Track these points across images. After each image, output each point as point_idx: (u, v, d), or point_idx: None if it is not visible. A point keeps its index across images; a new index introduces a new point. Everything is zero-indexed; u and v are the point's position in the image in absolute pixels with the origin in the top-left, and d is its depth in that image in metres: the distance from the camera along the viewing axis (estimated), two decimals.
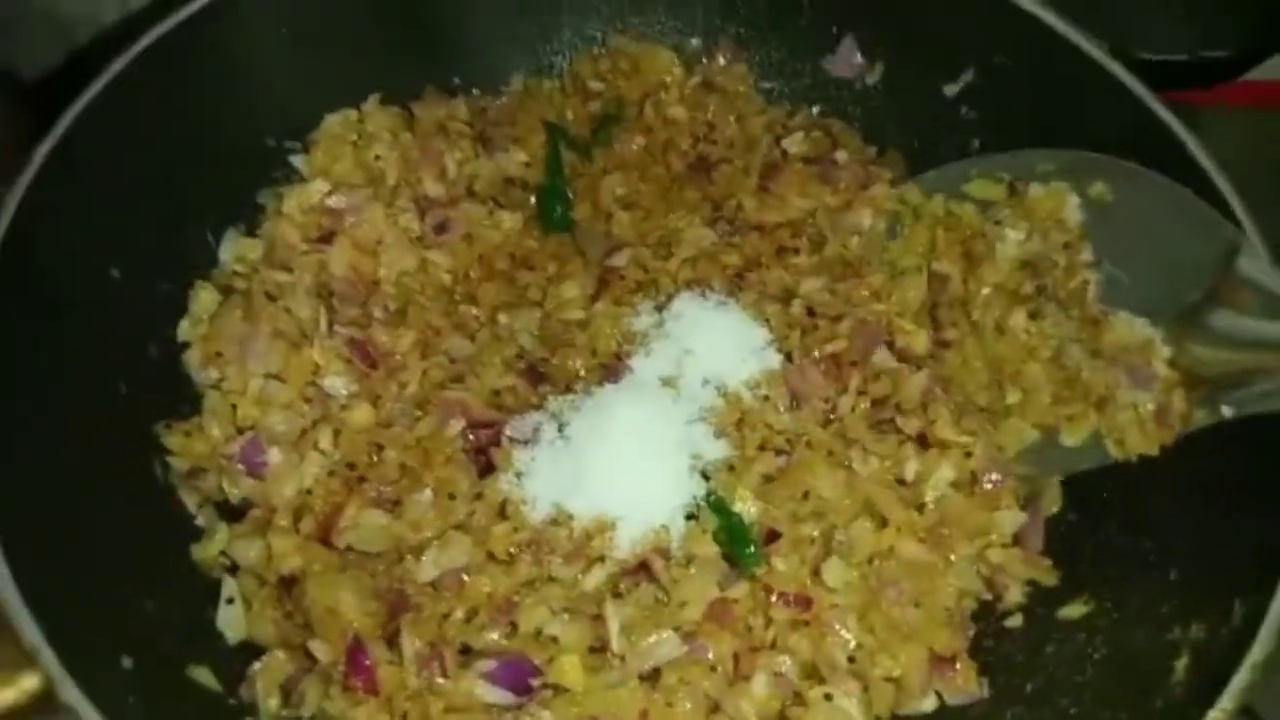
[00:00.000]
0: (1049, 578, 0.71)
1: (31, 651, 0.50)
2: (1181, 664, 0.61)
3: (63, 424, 0.63)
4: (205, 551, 0.67)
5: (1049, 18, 0.81)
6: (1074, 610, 0.69)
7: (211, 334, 0.72)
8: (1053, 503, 0.74)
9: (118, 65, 0.72)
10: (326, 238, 0.76)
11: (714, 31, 0.93)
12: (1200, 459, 0.67)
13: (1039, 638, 0.69)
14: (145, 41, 0.73)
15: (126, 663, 0.56)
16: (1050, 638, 0.69)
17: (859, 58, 0.92)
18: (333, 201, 0.76)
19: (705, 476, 0.69)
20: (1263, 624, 0.57)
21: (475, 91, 0.91)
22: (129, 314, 0.71)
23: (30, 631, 0.50)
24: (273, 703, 0.61)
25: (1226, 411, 0.65)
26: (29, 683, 0.51)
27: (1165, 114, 0.77)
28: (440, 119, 0.85)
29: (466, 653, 0.62)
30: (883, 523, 0.68)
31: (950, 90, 0.88)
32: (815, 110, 0.93)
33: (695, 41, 0.94)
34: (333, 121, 0.85)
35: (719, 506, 0.67)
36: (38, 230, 0.66)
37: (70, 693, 0.50)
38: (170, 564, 0.65)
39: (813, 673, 0.65)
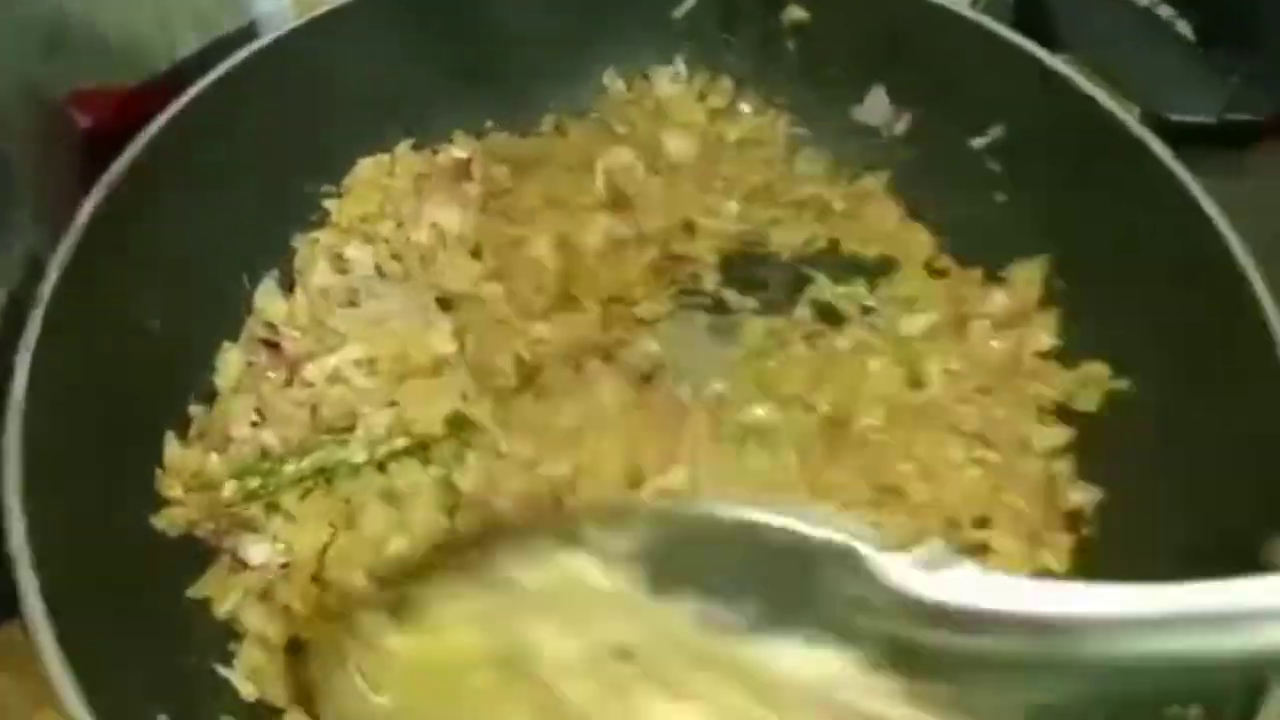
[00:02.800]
0: None
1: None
2: None
3: (106, 484, 0.66)
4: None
5: (1080, 79, 0.82)
6: None
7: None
8: None
9: (165, 116, 0.75)
10: None
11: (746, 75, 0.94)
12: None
13: None
14: (192, 92, 0.76)
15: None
16: None
17: (888, 107, 0.92)
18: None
19: None
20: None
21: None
22: (168, 366, 0.74)
23: (71, 700, 0.53)
24: None
25: None
26: None
27: (1187, 177, 0.77)
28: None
29: None
30: None
31: (977, 143, 0.88)
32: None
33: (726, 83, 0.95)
34: (365, 166, 0.87)
35: None
36: (85, 282, 0.69)
37: None
38: (202, 618, 0.68)
39: None
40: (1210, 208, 0.75)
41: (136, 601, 0.64)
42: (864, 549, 0.54)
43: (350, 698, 0.57)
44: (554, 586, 0.56)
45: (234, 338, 0.79)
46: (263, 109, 0.80)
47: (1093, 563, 0.73)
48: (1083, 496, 0.76)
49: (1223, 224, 0.74)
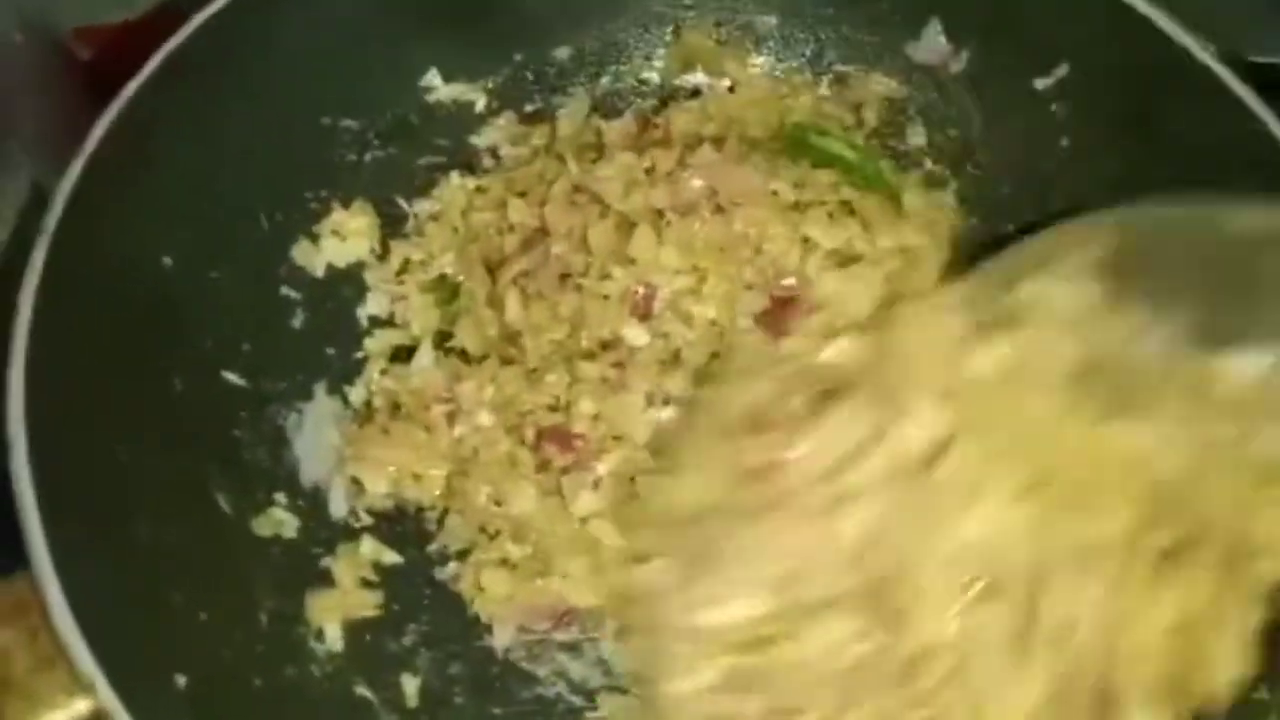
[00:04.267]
0: None
1: (87, 682, 0.49)
2: None
3: (115, 422, 0.62)
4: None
5: (1156, 15, 0.76)
6: None
7: None
8: None
9: (170, 45, 0.69)
10: None
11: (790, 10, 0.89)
12: None
13: None
14: (200, 18, 0.70)
15: (181, 681, 0.55)
16: None
17: (944, 43, 0.87)
18: None
19: None
20: None
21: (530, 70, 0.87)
22: (183, 305, 0.69)
23: (85, 660, 0.49)
24: None
25: None
26: (82, 706, 0.50)
27: (1271, 119, 0.72)
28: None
29: None
30: None
31: (1041, 84, 0.83)
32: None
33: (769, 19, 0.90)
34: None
35: None
36: (92, 214, 0.64)
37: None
38: (220, 572, 0.64)
39: None
40: None
41: (155, 557, 0.60)
42: None
43: None
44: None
45: (251, 277, 0.75)
46: (271, 37, 0.75)
47: None
48: None
49: None
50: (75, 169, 0.64)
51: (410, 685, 0.66)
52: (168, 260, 0.69)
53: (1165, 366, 0.57)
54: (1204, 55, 0.75)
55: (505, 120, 0.86)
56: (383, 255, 0.80)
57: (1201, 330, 0.58)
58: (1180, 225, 0.62)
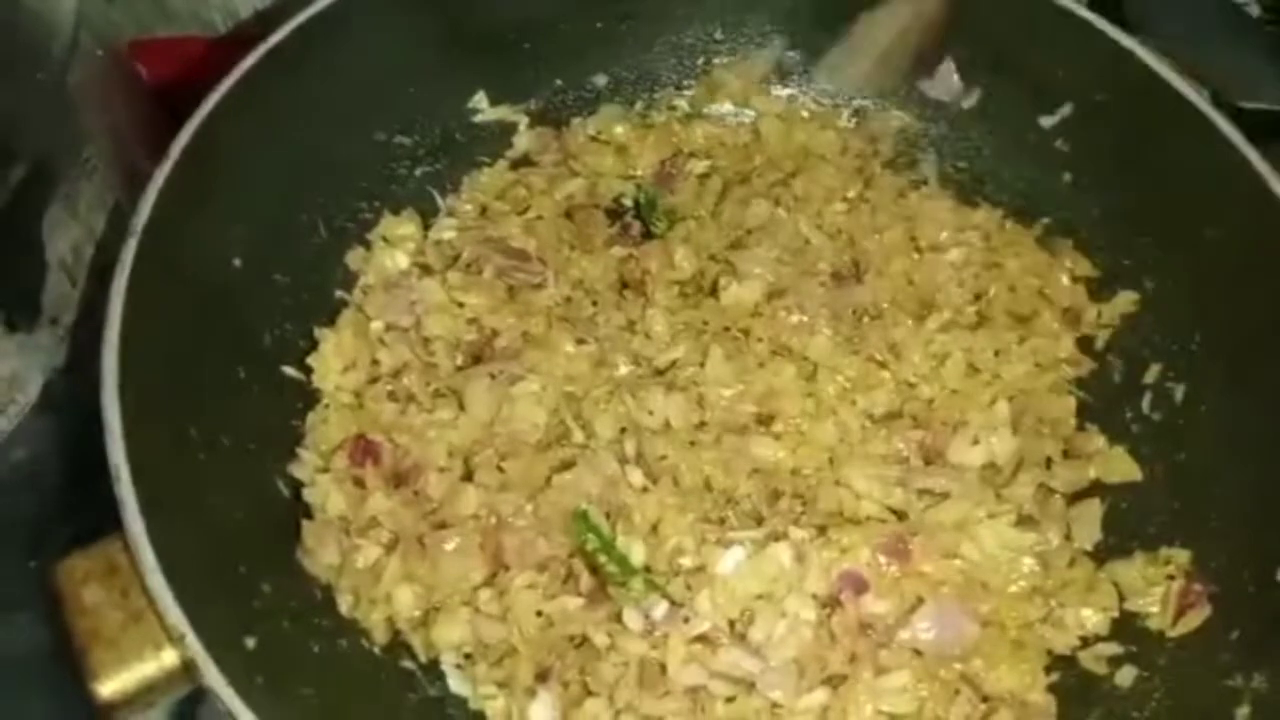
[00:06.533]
0: None
1: (177, 635, 0.54)
2: (1243, 712, 0.64)
3: (189, 406, 0.67)
4: None
5: (1152, 61, 0.82)
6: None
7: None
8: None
9: (248, 62, 0.75)
10: None
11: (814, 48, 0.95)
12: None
13: (1104, 672, 0.72)
14: (270, 43, 0.76)
15: (250, 643, 0.61)
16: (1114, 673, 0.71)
17: (957, 81, 0.93)
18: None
19: None
20: None
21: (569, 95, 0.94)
22: (248, 303, 0.75)
23: (175, 615, 0.54)
24: None
25: None
26: (167, 658, 0.55)
27: (1264, 168, 0.77)
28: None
29: None
30: None
31: (1046, 122, 0.89)
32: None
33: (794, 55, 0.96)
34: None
35: None
36: (172, 219, 0.69)
37: (211, 674, 0.54)
38: (284, 545, 0.69)
39: None
40: None
41: (227, 531, 0.65)
42: None
43: None
44: None
45: (308, 280, 0.80)
46: (334, 61, 0.81)
47: None
48: None
49: None
50: (159, 177, 0.69)
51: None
52: (237, 261, 0.75)
53: None
54: (1199, 100, 0.81)
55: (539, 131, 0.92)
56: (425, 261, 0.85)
57: None
58: None
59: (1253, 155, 0.77)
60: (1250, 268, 0.77)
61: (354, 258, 0.83)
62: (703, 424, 0.77)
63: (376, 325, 0.78)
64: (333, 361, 0.76)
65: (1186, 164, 0.81)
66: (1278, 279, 0.75)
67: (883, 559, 0.69)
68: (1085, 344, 0.84)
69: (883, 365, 0.81)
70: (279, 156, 0.78)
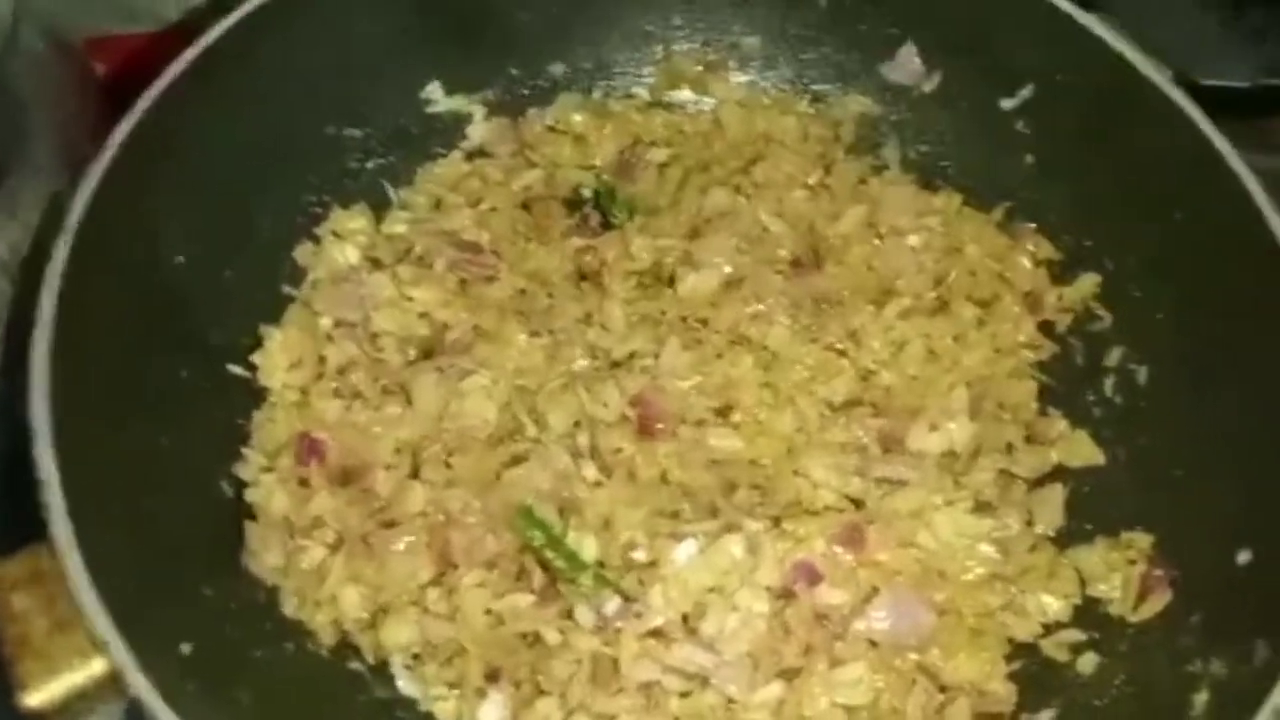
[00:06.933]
0: None
1: (102, 643, 0.53)
2: (1200, 699, 0.63)
3: (127, 408, 0.66)
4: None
5: (1113, 39, 0.81)
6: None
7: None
8: None
9: (191, 53, 0.73)
10: None
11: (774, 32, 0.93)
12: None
13: (1066, 659, 0.71)
14: (215, 33, 0.74)
15: (185, 649, 0.59)
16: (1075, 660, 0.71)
17: (919, 65, 0.91)
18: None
19: None
20: None
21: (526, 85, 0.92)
22: (192, 301, 0.73)
23: (101, 624, 0.53)
24: None
25: None
26: (96, 667, 0.54)
27: (1225, 146, 0.76)
28: None
29: None
30: None
31: (1007, 104, 0.88)
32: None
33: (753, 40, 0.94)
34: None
35: None
36: (110, 214, 0.68)
37: (136, 681, 0.53)
38: (228, 548, 0.68)
39: None
40: (1244, 172, 0.74)
41: (165, 534, 0.64)
42: None
43: None
44: None
45: (256, 277, 0.79)
46: (280, 53, 0.79)
47: None
48: None
49: (1257, 190, 0.74)
50: (96, 171, 0.68)
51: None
52: (180, 258, 0.73)
53: None
54: (1160, 79, 0.79)
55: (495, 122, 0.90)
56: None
57: None
58: None
59: (1214, 134, 0.76)
60: (1212, 247, 0.76)
61: (303, 253, 0.81)
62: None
63: (325, 321, 0.77)
64: (279, 359, 0.75)
65: (1148, 144, 0.80)
66: (1239, 257, 0.74)
67: (837, 549, 0.68)
68: (1047, 328, 0.83)
69: (842, 353, 0.80)
70: (224, 150, 0.77)
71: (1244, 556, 0.66)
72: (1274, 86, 0.85)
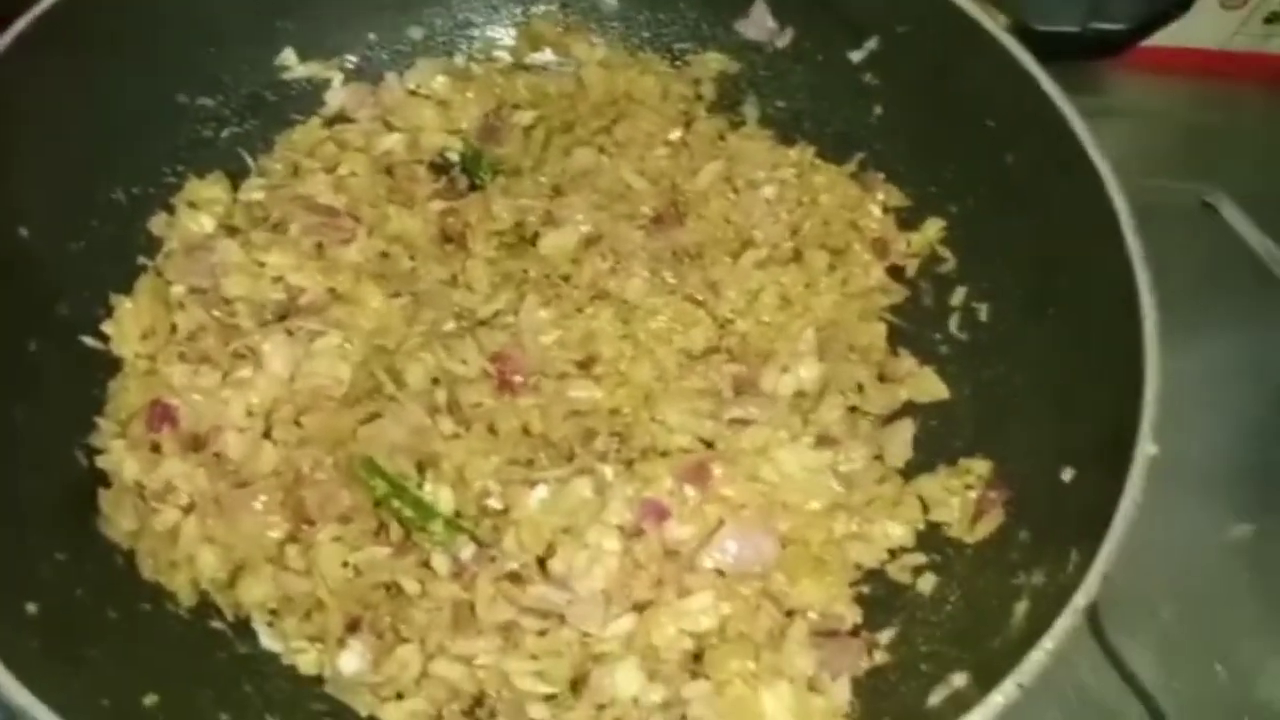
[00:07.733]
0: None
1: None
2: (1021, 607, 0.66)
3: None
4: None
5: None
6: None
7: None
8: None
9: (24, 21, 0.73)
10: None
11: None
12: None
13: (908, 581, 0.74)
14: (43, 5, 0.73)
15: (31, 609, 0.60)
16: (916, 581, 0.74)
17: (771, 21, 0.94)
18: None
19: None
20: (1090, 570, 0.62)
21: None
22: (40, 273, 0.73)
23: None
24: None
25: None
26: None
27: (1052, 88, 0.79)
28: None
29: None
30: None
31: (855, 57, 0.90)
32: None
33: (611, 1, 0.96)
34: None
35: None
36: None
37: None
38: (83, 514, 0.68)
39: None
40: (1070, 112, 0.77)
41: (11, 500, 0.64)
42: None
43: None
44: None
45: (108, 248, 0.78)
46: (127, 18, 0.78)
47: None
48: None
49: (1082, 129, 0.77)
50: None
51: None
52: (24, 231, 0.73)
53: None
54: (994, 26, 0.82)
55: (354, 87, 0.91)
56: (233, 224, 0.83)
57: None
58: None
59: (1042, 76, 0.79)
60: (1041, 185, 0.79)
61: (157, 223, 0.81)
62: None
63: (177, 289, 0.77)
64: (130, 328, 0.75)
65: (983, 90, 0.83)
66: (1065, 193, 0.77)
67: (686, 487, 0.71)
68: (897, 272, 0.87)
69: (701, 304, 0.83)
70: (68, 122, 0.77)
71: (1068, 474, 0.70)
72: (1103, 30, 0.89)
